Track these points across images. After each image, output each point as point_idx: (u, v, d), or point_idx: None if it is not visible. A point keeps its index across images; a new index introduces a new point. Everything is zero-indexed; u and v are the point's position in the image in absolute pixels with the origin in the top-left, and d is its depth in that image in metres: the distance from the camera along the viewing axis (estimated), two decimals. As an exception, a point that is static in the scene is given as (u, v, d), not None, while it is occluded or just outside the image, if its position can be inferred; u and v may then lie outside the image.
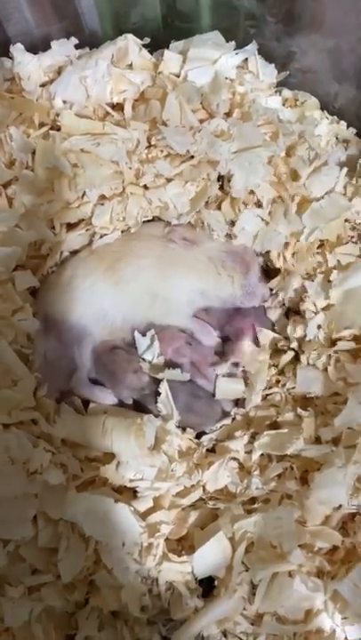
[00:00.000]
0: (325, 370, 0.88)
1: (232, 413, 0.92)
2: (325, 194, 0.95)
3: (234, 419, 0.92)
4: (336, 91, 1.01)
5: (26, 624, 0.78)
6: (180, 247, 0.94)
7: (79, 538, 0.78)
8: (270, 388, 0.91)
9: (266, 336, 0.94)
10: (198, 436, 0.91)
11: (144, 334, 0.90)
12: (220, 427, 0.91)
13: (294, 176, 0.96)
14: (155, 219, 0.97)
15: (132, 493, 0.83)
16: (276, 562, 0.78)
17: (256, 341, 0.94)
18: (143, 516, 0.81)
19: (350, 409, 0.82)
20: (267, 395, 0.91)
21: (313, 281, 0.93)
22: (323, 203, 0.94)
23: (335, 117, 1.05)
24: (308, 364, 0.90)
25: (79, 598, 0.79)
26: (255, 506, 0.83)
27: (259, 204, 0.95)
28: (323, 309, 0.91)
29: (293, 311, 0.96)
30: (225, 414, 0.92)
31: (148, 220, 0.97)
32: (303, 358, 0.90)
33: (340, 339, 0.89)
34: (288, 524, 0.79)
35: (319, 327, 0.90)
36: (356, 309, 0.89)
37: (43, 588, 0.79)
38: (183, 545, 0.83)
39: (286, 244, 0.95)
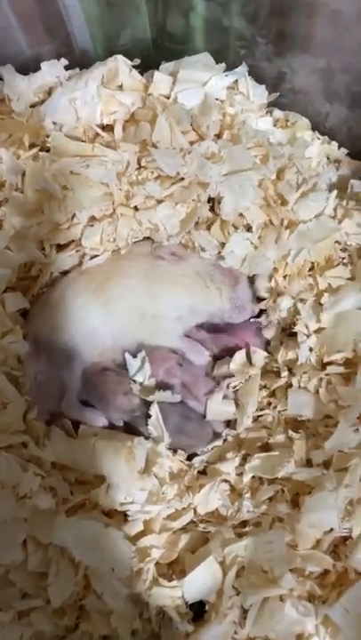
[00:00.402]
0: (317, 392, 0.88)
1: (223, 434, 0.91)
2: (314, 217, 0.95)
3: (225, 440, 0.91)
4: (327, 111, 1.02)
5: (16, 648, 0.76)
6: (168, 263, 0.94)
7: (69, 562, 0.78)
8: (262, 409, 0.91)
9: (258, 356, 0.93)
10: (190, 457, 0.90)
11: (135, 355, 0.90)
12: (212, 448, 0.91)
13: (282, 201, 0.96)
14: (144, 237, 0.97)
15: (123, 517, 0.83)
16: (267, 586, 0.77)
17: (248, 358, 0.93)
18: (133, 539, 0.80)
19: (341, 432, 0.82)
20: (258, 416, 0.91)
21: (305, 303, 0.92)
22: (310, 225, 0.95)
23: (326, 138, 1.05)
24: (299, 386, 0.89)
25: (69, 623, 0.79)
26: (246, 529, 0.83)
27: (249, 228, 0.95)
28: (315, 332, 0.91)
29: (286, 333, 0.96)
30: (216, 435, 0.91)
31: (138, 240, 0.97)
32: (295, 381, 0.90)
33: (331, 362, 0.89)
34: (279, 549, 0.79)
35: (311, 350, 0.90)
36: (348, 332, 0.89)
37: (32, 613, 0.79)
38: (174, 569, 0.82)
39: (276, 268, 0.95)
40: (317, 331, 0.92)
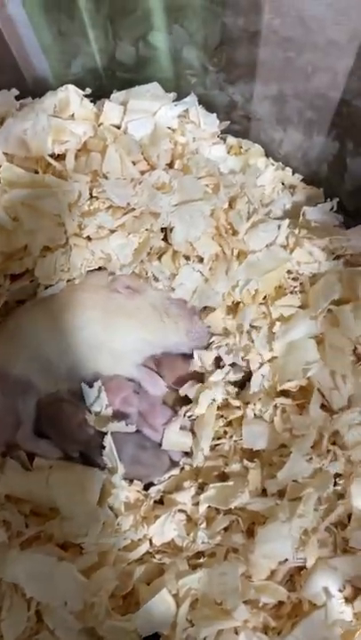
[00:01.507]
0: (272, 421, 0.89)
1: (180, 463, 0.92)
2: (265, 246, 0.96)
3: (182, 469, 0.92)
4: (281, 137, 1.03)
5: None
6: (124, 297, 0.95)
7: (21, 597, 0.79)
8: (219, 438, 0.91)
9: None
10: (146, 487, 0.91)
11: (91, 384, 0.90)
12: (169, 477, 0.91)
13: (233, 231, 0.97)
14: (98, 267, 0.98)
15: (78, 549, 0.84)
16: (221, 618, 0.78)
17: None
18: (88, 572, 0.81)
19: (294, 462, 0.83)
20: (215, 445, 0.91)
21: (259, 332, 0.93)
22: (260, 255, 0.95)
23: (281, 164, 1.06)
24: (255, 415, 0.90)
25: None
26: (201, 560, 0.84)
27: (200, 259, 0.96)
28: (268, 361, 0.92)
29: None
30: (173, 464, 0.92)
31: (92, 269, 0.98)
32: (249, 410, 0.90)
33: (285, 391, 0.90)
34: (232, 580, 0.79)
35: (263, 377, 0.91)
36: (299, 362, 0.90)
37: None
38: (129, 601, 0.83)
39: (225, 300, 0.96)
40: (270, 360, 0.92)
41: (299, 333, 0.91)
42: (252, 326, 0.94)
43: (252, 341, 0.93)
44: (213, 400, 0.92)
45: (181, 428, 0.91)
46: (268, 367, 0.92)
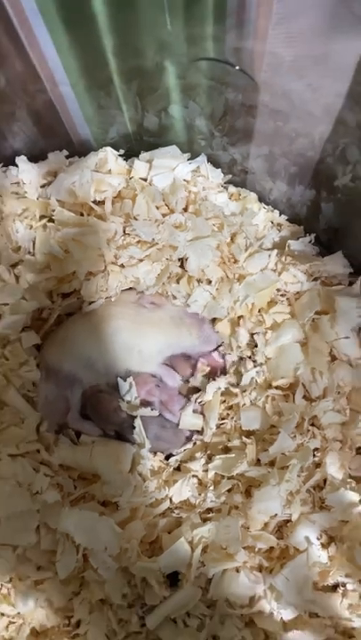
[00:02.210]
0: (264, 407, 0.89)
1: (193, 439, 0.92)
2: (260, 271, 0.97)
3: (195, 443, 0.92)
4: (271, 187, 1.03)
5: (32, 610, 0.80)
6: (149, 310, 0.95)
7: (72, 544, 0.80)
8: (223, 419, 0.92)
9: (220, 379, 0.94)
10: (167, 457, 0.92)
11: (124, 379, 0.90)
12: (184, 450, 0.92)
13: (235, 260, 0.98)
14: (129, 287, 0.98)
15: (115, 506, 0.85)
16: (226, 560, 0.79)
17: (211, 375, 0.95)
18: (122, 524, 0.82)
19: (282, 439, 0.84)
20: (220, 424, 0.91)
21: (258, 336, 0.94)
22: (255, 277, 0.96)
23: (270, 207, 1.06)
24: (250, 403, 0.90)
25: (73, 589, 0.81)
26: (210, 515, 0.85)
27: (209, 281, 0.96)
28: (264, 362, 0.93)
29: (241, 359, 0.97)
30: (188, 440, 0.92)
31: (124, 289, 0.98)
32: (246, 399, 0.91)
33: (277, 386, 0.91)
34: (234, 531, 0.80)
35: (257, 373, 0.92)
36: (288, 362, 0.91)
37: (45, 582, 0.80)
38: (155, 546, 0.84)
39: (229, 313, 0.96)
40: (265, 360, 0.93)
41: (287, 339, 0.92)
42: (251, 333, 0.95)
43: (255, 345, 0.94)
44: (218, 388, 0.92)
45: (194, 411, 0.92)
46: (265, 366, 0.92)
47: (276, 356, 0.92)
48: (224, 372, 0.95)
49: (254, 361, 0.94)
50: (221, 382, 0.92)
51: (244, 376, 0.93)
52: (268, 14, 0.74)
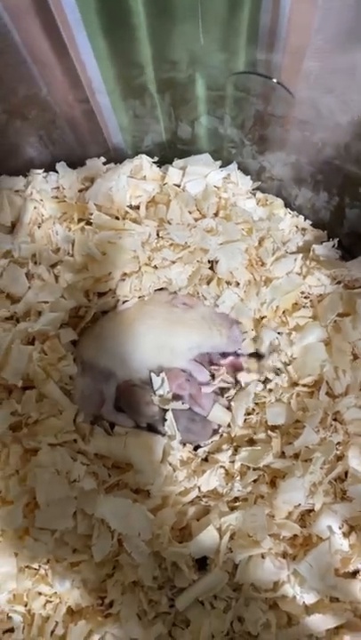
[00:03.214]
0: (289, 403, 0.91)
1: (220, 431, 0.94)
2: (285, 274, 0.98)
3: (222, 435, 0.94)
4: (296, 193, 1.04)
5: (69, 590, 0.82)
6: (181, 310, 0.96)
7: (107, 529, 0.81)
8: (249, 414, 0.93)
9: (246, 375, 0.96)
10: (195, 448, 0.93)
11: (156, 374, 0.92)
12: (212, 442, 0.93)
13: (262, 263, 0.99)
14: (162, 288, 1.00)
15: (147, 493, 0.86)
16: (252, 547, 0.81)
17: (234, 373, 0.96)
18: (154, 511, 0.84)
19: (306, 434, 0.85)
20: (246, 419, 0.92)
21: (282, 336, 0.95)
22: (282, 280, 0.97)
23: (295, 212, 1.07)
24: (275, 399, 0.92)
25: (107, 572, 0.83)
26: (237, 504, 0.86)
27: (237, 283, 0.97)
28: (289, 360, 0.94)
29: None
30: (215, 432, 0.94)
31: (157, 289, 0.99)
32: (272, 396, 0.92)
33: (303, 384, 0.92)
34: (260, 519, 0.82)
35: (282, 374, 0.94)
36: (314, 360, 0.92)
37: (81, 564, 0.82)
38: (184, 532, 0.86)
39: (256, 314, 0.97)
40: (290, 359, 0.94)
41: (312, 339, 0.93)
42: (277, 332, 0.96)
43: (279, 344, 0.95)
44: (255, 393, 0.94)
45: (222, 404, 0.94)
46: (289, 367, 0.94)
47: (302, 356, 0.93)
48: (240, 368, 0.96)
49: (281, 362, 0.94)
50: (252, 384, 0.94)
51: (270, 375, 0.94)
52: (301, 29, 0.75)
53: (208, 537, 0.82)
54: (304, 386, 0.92)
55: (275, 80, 0.83)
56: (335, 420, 0.89)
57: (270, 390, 0.93)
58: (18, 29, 0.77)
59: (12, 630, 0.82)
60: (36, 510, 0.82)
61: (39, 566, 0.83)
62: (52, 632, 0.81)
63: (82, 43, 0.81)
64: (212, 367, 0.96)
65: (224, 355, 0.97)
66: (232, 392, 0.94)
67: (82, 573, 0.82)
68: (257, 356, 0.97)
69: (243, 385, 0.94)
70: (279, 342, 0.94)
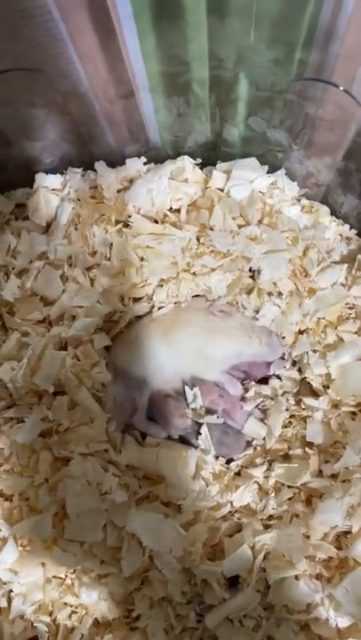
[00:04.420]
0: (329, 423, 0.89)
1: (254, 444, 0.92)
2: (330, 285, 0.96)
3: (255, 449, 0.92)
4: (342, 201, 1.02)
5: (95, 602, 0.81)
6: (219, 318, 0.94)
7: (137, 544, 0.81)
8: (285, 427, 0.91)
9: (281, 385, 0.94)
10: (228, 462, 0.92)
11: (190, 385, 0.90)
12: (245, 455, 0.91)
13: (306, 274, 0.97)
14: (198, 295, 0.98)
15: (178, 507, 0.85)
16: (287, 568, 0.80)
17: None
18: (186, 527, 0.83)
19: (348, 456, 0.83)
20: (281, 432, 0.91)
21: (316, 354, 0.93)
22: (326, 292, 0.95)
23: (341, 221, 1.05)
24: (318, 419, 0.90)
25: (135, 585, 0.82)
26: (271, 522, 0.85)
27: (279, 293, 0.96)
28: (328, 383, 0.92)
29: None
30: (248, 444, 0.92)
31: (194, 296, 0.98)
32: (317, 415, 0.90)
33: (345, 404, 0.90)
34: (296, 540, 0.81)
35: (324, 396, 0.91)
36: (355, 380, 0.89)
37: (108, 577, 0.81)
38: (216, 549, 0.84)
39: (298, 327, 0.96)
40: (326, 380, 0.92)
41: (348, 359, 0.91)
42: (313, 350, 0.94)
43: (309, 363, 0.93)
44: (286, 409, 0.91)
45: (256, 417, 0.91)
46: (330, 389, 0.91)
47: (340, 377, 0.91)
48: (266, 381, 0.95)
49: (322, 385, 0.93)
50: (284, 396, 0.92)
51: (307, 400, 0.92)
52: (356, 33, 0.72)
53: (241, 556, 0.81)
54: (345, 405, 0.90)
55: (341, 88, 0.78)
56: None
57: (304, 409, 0.91)
58: (66, 21, 0.75)
59: (35, 639, 0.82)
60: (65, 521, 0.81)
61: (66, 576, 0.83)
62: None
63: (129, 38, 0.79)
64: (245, 381, 0.95)
65: (261, 365, 0.95)
66: (267, 402, 0.92)
67: (109, 586, 0.82)
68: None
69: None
70: (309, 358, 0.93)
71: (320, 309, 0.94)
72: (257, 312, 0.96)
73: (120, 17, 0.74)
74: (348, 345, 0.93)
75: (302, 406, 0.92)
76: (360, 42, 0.74)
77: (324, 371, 0.92)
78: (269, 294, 0.97)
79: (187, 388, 0.91)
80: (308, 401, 0.91)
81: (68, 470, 0.83)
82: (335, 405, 0.91)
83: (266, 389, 0.94)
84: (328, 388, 0.92)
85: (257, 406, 0.93)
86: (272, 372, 0.95)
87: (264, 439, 0.91)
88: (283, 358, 0.96)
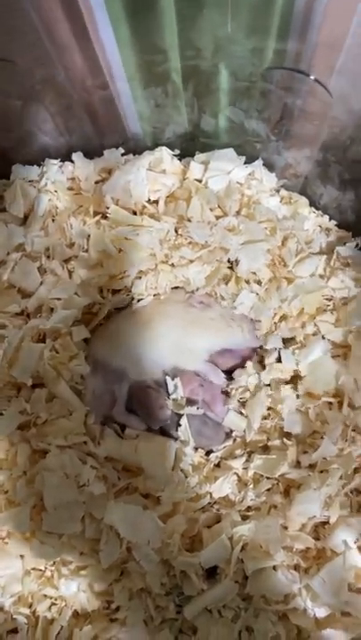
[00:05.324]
0: (307, 413, 0.88)
1: (234, 435, 0.91)
2: (309, 275, 0.95)
3: (235, 440, 0.91)
4: (322, 192, 1.02)
5: (75, 593, 0.80)
6: (198, 309, 0.94)
7: (115, 535, 0.80)
8: (264, 418, 0.90)
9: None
10: (208, 453, 0.91)
11: (171, 376, 0.89)
12: (224, 447, 0.91)
13: (285, 264, 0.97)
14: (177, 286, 0.97)
15: (157, 499, 0.85)
16: (265, 559, 0.80)
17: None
18: (164, 518, 0.82)
19: (325, 446, 0.83)
20: (260, 424, 0.89)
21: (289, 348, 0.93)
22: (305, 280, 0.95)
23: (320, 212, 1.05)
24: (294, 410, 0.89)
25: (115, 577, 0.81)
26: (250, 513, 0.85)
27: (258, 282, 0.95)
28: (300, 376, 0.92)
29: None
30: (228, 436, 0.92)
31: (173, 287, 0.97)
32: (288, 404, 0.89)
33: (319, 396, 0.89)
34: (274, 531, 0.80)
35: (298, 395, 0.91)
36: (325, 375, 0.89)
37: (87, 568, 0.81)
38: (195, 540, 0.84)
39: (276, 314, 0.95)
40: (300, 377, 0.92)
41: (316, 355, 0.90)
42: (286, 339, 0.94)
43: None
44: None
45: (235, 410, 0.91)
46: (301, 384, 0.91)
47: (311, 373, 0.91)
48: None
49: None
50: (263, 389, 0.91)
51: (282, 391, 0.91)
52: (334, 22, 0.72)
53: (219, 547, 0.81)
54: (320, 398, 0.89)
55: (312, 77, 0.77)
56: (354, 431, 0.86)
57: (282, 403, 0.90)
58: (36, 9, 0.74)
59: (15, 631, 0.82)
60: (43, 513, 0.80)
61: (45, 568, 0.82)
62: (57, 635, 0.80)
63: (103, 26, 0.79)
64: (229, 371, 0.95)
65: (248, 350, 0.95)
66: (245, 395, 0.92)
67: (88, 577, 0.81)
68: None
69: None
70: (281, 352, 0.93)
71: (298, 295, 0.93)
72: (235, 301, 0.95)
73: (92, 5, 0.73)
74: (314, 340, 0.92)
75: (279, 397, 0.91)
76: (338, 31, 0.73)
77: (294, 366, 0.91)
78: (247, 282, 0.96)
79: (168, 379, 0.90)
80: (284, 391, 0.90)
81: (46, 463, 0.82)
82: (311, 395, 0.90)
83: (244, 381, 0.92)
84: (301, 379, 0.91)
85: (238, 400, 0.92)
86: (251, 363, 0.94)
87: (244, 431, 0.90)
88: (262, 347, 0.95)
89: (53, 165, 0.99)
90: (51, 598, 0.82)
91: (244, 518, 0.84)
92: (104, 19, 0.77)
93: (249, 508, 0.85)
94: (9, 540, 0.81)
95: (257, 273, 0.95)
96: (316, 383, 0.90)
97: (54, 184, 0.98)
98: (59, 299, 0.92)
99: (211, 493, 0.86)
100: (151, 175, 0.96)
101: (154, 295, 0.95)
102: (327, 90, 0.81)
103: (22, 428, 0.86)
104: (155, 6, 0.76)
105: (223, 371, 0.94)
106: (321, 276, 0.96)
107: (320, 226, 1.04)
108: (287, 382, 0.93)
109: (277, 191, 1.04)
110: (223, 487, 0.85)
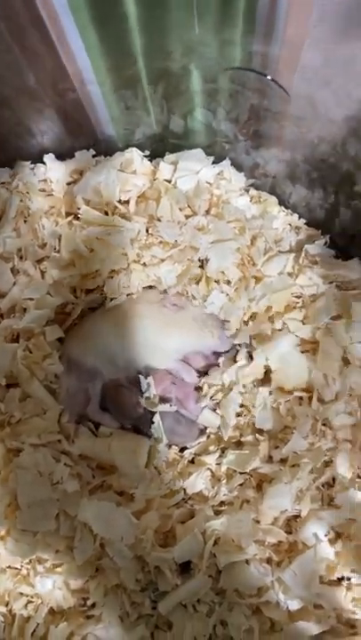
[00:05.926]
0: (278, 409, 0.88)
1: (207, 432, 0.92)
2: (277, 274, 0.96)
3: (209, 437, 0.92)
4: (291, 191, 1.02)
5: (50, 591, 0.80)
6: (171, 311, 0.94)
7: (89, 532, 0.80)
8: (237, 416, 0.91)
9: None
10: (182, 450, 0.92)
11: (144, 375, 0.90)
12: (198, 443, 0.91)
13: (253, 262, 0.97)
14: (151, 286, 0.97)
15: (131, 496, 0.85)
16: (237, 553, 0.80)
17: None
18: (137, 515, 0.83)
19: (295, 441, 0.84)
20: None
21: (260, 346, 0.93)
22: (273, 279, 0.95)
23: (289, 211, 1.05)
24: (265, 405, 0.90)
25: (90, 574, 0.81)
26: (222, 508, 0.85)
27: (228, 282, 0.96)
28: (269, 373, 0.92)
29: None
30: (201, 432, 0.92)
31: (146, 287, 0.97)
32: (259, 399, 0.90)
33: (289, 391, 0.90)
34: (246, 526, 0.81)
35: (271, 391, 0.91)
36: (296, 369, 0.89)
37: (63, 566, 0.81)
38: (168, 535, 0.84)
39: (245, 313, 0.95)
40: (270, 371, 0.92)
41: (284, 349, 0.90)
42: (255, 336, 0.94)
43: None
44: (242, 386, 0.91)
45: (209, 407, 0.91)
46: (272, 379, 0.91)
47: (281, 367, 0.91)
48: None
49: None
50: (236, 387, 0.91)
51: (253, 389, 0.91)
52: (298, 21, 0.72)
53: (192, 542, 0.81)
54: (290, 393, 0.90)
55: (269, 77, 0.79)
56: (324, 425, 0.87)
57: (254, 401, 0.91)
58: (3, 17, 0.75)
59: None
60: (17, 512, 0.80)
61: (21, 566, 0.82)
62: (33, 633, 0.80)
63: (71, 32, 0.79)
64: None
65: (216, 354, 0.95)
66: (219, 395, 0.92)
67: (64, 574, 0.81)
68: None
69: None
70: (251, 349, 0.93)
71: (266, 294, 0.94)
72: (205, 301, 0.96)
73: (57, 9, 0.74)
74: (280, 335, 0.92)
75: (251, 395, 0.91)
76: (301, 31, 0.74)
77: (264, 362, 0.91)
78: (217, 282, 0.96)
79: (141, 377, 0.90)
80: (256, 389, 0.90)
81: (19, 461, 0.82)
82: (283, 390, 0.90)
83: (217, 380, 0.93)
84: (272, 372, 0.91)
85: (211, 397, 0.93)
86: (221, 364, 0.94)
87: (218, 428, 0.91)
88: (234, 349, 0.96)
89: (25, 167, 1.00)
90: (27, 596, 0.81)
91: (218, 513, 0.84)
92: (71, 26, 0.77)
93: (222, 503, 0.86)
94: (-16, 538, 0.82)
95: (226, 272, 0.95)
96: (287, 378, 0.90)
97: (26, 185, 0.98)
98: (31, 299, 0.92)
99: (185, 489, 0.86)
100: (122, 176, 0.97)
101: (127, 295, 0.95)
102: (283, 88, 0.82)
103: (-4, 427, 0.87)
104: (119, 12, 0.76)
105: (195, 370, 0.95)
106: (290, 274, 0.97)
107: (290, 224, 1.04)
108: (259, 379, 0.93)
109: (247, 191, 1.05)
110: (197, 483, 0.86)
